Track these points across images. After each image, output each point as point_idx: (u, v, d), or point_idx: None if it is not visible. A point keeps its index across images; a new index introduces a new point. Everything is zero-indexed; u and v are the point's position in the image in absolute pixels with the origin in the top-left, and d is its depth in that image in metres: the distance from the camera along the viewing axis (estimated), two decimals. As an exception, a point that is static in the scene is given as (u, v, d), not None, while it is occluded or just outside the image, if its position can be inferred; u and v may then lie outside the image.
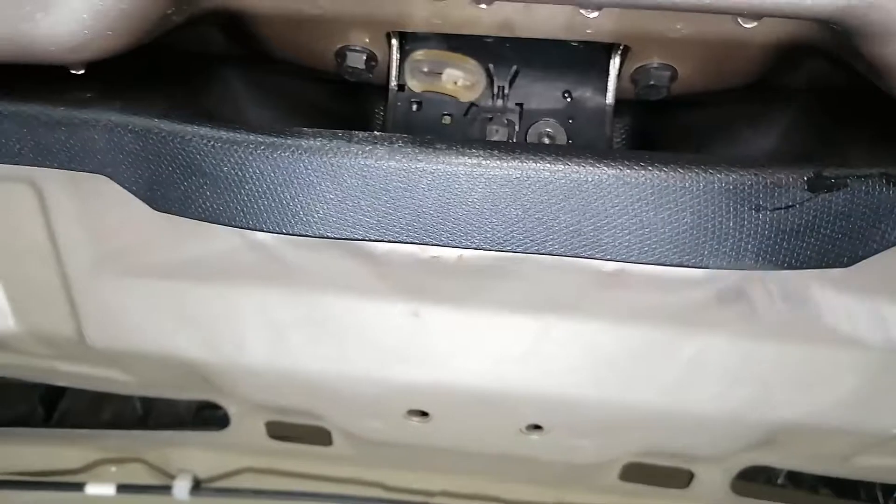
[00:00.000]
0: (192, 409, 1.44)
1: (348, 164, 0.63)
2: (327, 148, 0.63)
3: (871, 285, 0.73)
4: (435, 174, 0.63)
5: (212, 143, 0.64)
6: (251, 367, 0.87)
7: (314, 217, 0.65)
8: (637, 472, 1.22)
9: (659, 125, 0.89)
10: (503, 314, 0.79)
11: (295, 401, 0.97)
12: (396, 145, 0.63)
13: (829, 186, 0.61)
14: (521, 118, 0.85)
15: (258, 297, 0.82)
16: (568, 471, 1.17)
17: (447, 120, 0.86)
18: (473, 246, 0.66)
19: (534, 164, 0.61)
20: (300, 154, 0.63)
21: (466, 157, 0.62)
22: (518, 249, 0.65)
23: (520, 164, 0.62)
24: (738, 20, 0.62)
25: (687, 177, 0.60)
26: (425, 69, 0.82)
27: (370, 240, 0.66)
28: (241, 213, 0.67)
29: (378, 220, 0.65)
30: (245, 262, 0.78)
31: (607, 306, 0.77)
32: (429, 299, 0.79)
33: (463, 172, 0.62)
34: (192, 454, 1.45)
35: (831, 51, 0.68)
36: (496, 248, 0.65)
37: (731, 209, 0.61)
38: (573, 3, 0.58)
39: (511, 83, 0.85)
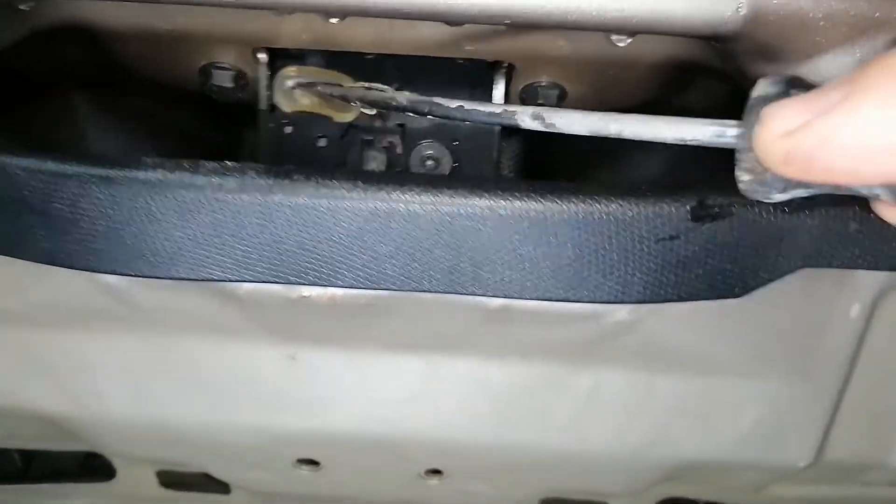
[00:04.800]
0: (78, 458, 1.35)
1: (195, 198, 0.58)
2: (170, 181, 0.57)
3: (766, 315, 0.72)
4: (293, 208, 0.58)
5: (38, 176, 0.58)
6: (114, 419, 0.81)
7: (162, 257, 0.60)
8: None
9: (550, 148, 0.86)
10: (387, 355, 0.75)
11: (168, 453, 0.91)
12: (248, 177, 0.58)
13: (714, 215, 0.59)
14: (403, 140, 0.81)
15: (114, 344, 0.76)
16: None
17: (323, 143, 0.81)
18: (344, 285, 0.61)
19: (401, 197, 0.57)
20: (139, 188, 0.57)
21: (327, 190, 0.58)
22: (393, 287, 0.61)
23: (386, 196, 0.58)
24: (611, 38, 0.60)
25: (564, 208, 0.57)
26: (297, 88, 0.78)
27: (228, 280, 0.61)
28: (79, 255, 0.61)
29: (235, 259, 0.60)
30: (95, 306, 0.72)
31: (496, 344, 0.73)
32: (305, 341, 0.74)
33: (324, 206, 0.58)
34: (80, 507, 1.36)
35: (721, 70, 0.67)
36: (369, 286, 0.61)
37: (614, 241, 0.58)
38: (427, 18, 0.55)
39: None
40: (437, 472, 0.88)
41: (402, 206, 0.57)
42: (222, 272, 0.61)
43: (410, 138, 0.82)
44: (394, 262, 0.60)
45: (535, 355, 0.74)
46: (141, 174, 0.57)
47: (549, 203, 0.57)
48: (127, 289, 0.70)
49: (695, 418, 0.77)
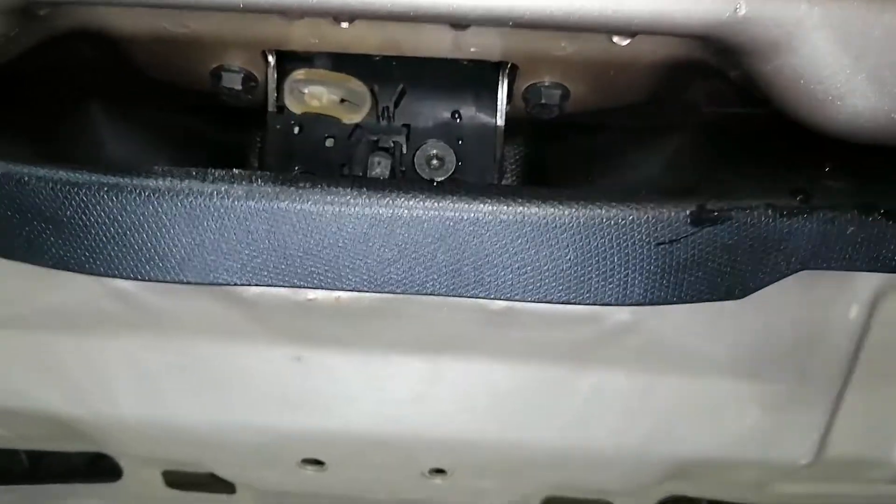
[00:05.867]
0: (85, 459, 1.37)
1: (203, 205, 0.60)
2: (178, 188, 0.59)
3: (766, 316, 0.74)
4: (299, 214, 0.60)
5: (50, 185, 0.60)
6: (124, 421, 0.83)
7: (171, 262, 0.62)
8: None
9: (553, 148, 0.88)
10: (392, 356, 0.77)
11: (177, 453, 0.93)
12: (256, 185, 0.60)
13: (713, 220, 0.60)
14: (408, 139, 0.83)
15: (125, 347, 0.78)
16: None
17: (330, 143, 0.83)
18: (349, 288, 0.63)
19: (404, 203, 0.59)
20: (148, 196, 0.59)
21: (332, 196, 0.60)
22: (397, 290, 0.63)
23: (390, 202, 0.60)
24: (612, 38, 0.62)
25: (566, 213, 0.59)
26: (305, 90, 0.80)
27: (235, 284, 0.63)
28: (91, 260, 0.63)
29: (242, 264, 0.62)
30: (107, 310, 0.74)
31: (499, 345, 0.75)
32: (311, 343, 0.76)
33: (329, 212, 0.60)
34: (88, 508, 1.38)
35: (721, 69, 0.68)
36: (373, 289, 0.63)
37: (614, 245, 0.60)
38: (433, 21, 0.56)
39: (397, 103, 0.83)
40: (441, 471, 0.90)
41: (406, 211, 0.59)
42: (229, 276, 0.63)
43: (415, 138, 0.84)
44: (398, 266, 0.62)
45: (537, 356, 0.76)
46: (150, 182, 0.59)
47: (550, 208, 0.59)
48: (137, 293, 0.73)
49: (696, 417, 0.79)
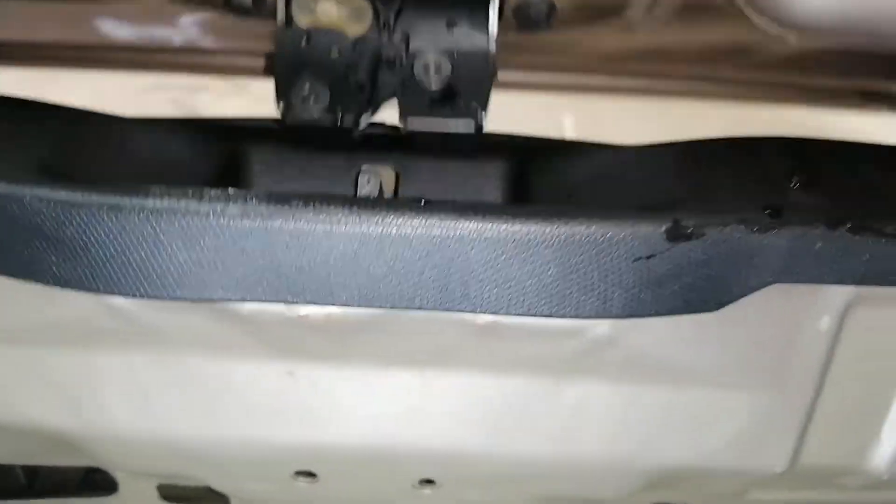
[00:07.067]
0: (80, 473, 1.37)
1: (199, 224, 0.61)
2: (176, 208, 0.61)
3: (741, 328, 0.76)
4: (292, 233, 0.62)
5: (50, 205, 0.62)
6: (118, 434, 0.84)
7: (168, 280, 0.64)
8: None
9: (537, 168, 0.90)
10: (382, 370, 0.79)
11: (170, 466, 0.94)
12: (250, 204, 0.62)
13: (688, 235, 0.63)
14: (406, 52, 0.87)
15: (120, 362, 0.79)
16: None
17: (335, 54, 0.86)
18: (340, 304, 0.65)
19: (393, 221, 0.61)
20: (147, 216, 0.61)
21: (324, 215, 0.62)
22: (386, 305, 0.66)
23: (379, 220, 0.62)
24: None
25: (547, 230, 0.61)
26: (313, 2, 0.83)
27: (230, 300, 0.65)
28: (90, 278, 0.64)
29: (237, 281, 0.64)
30: (103, 325, 0.76)
31: (486, 358, 0.77)
32: (303, 358, 0.78)
33: (321, 230, 0.62)
34: (82, 521, 1.37)
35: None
36: (363, 305, 0.65)
37: (594, 260, 0.62)
38: None
39: (397, 17, 0.86)
40: (430, 482, 0.91)
41: (395, 229, 0.61)
42: (224, 293, 0.64)
43: (413, 49, 0.86)
44: (387, 281, 0.64)
45: (522, 368, 0.78)
46: (149, 202, 0.61)
47: (532, 226, 0.61)
48: (133, 309, 0.74)
49: (677, 427, 0.81)
